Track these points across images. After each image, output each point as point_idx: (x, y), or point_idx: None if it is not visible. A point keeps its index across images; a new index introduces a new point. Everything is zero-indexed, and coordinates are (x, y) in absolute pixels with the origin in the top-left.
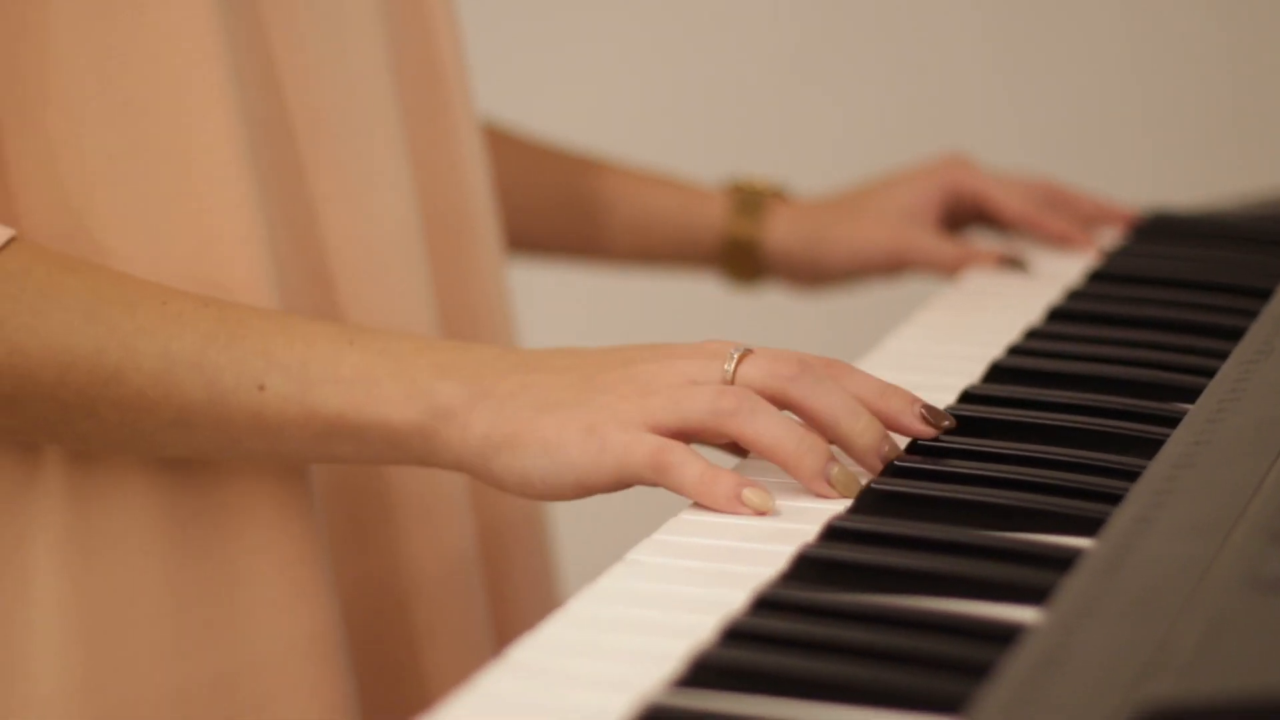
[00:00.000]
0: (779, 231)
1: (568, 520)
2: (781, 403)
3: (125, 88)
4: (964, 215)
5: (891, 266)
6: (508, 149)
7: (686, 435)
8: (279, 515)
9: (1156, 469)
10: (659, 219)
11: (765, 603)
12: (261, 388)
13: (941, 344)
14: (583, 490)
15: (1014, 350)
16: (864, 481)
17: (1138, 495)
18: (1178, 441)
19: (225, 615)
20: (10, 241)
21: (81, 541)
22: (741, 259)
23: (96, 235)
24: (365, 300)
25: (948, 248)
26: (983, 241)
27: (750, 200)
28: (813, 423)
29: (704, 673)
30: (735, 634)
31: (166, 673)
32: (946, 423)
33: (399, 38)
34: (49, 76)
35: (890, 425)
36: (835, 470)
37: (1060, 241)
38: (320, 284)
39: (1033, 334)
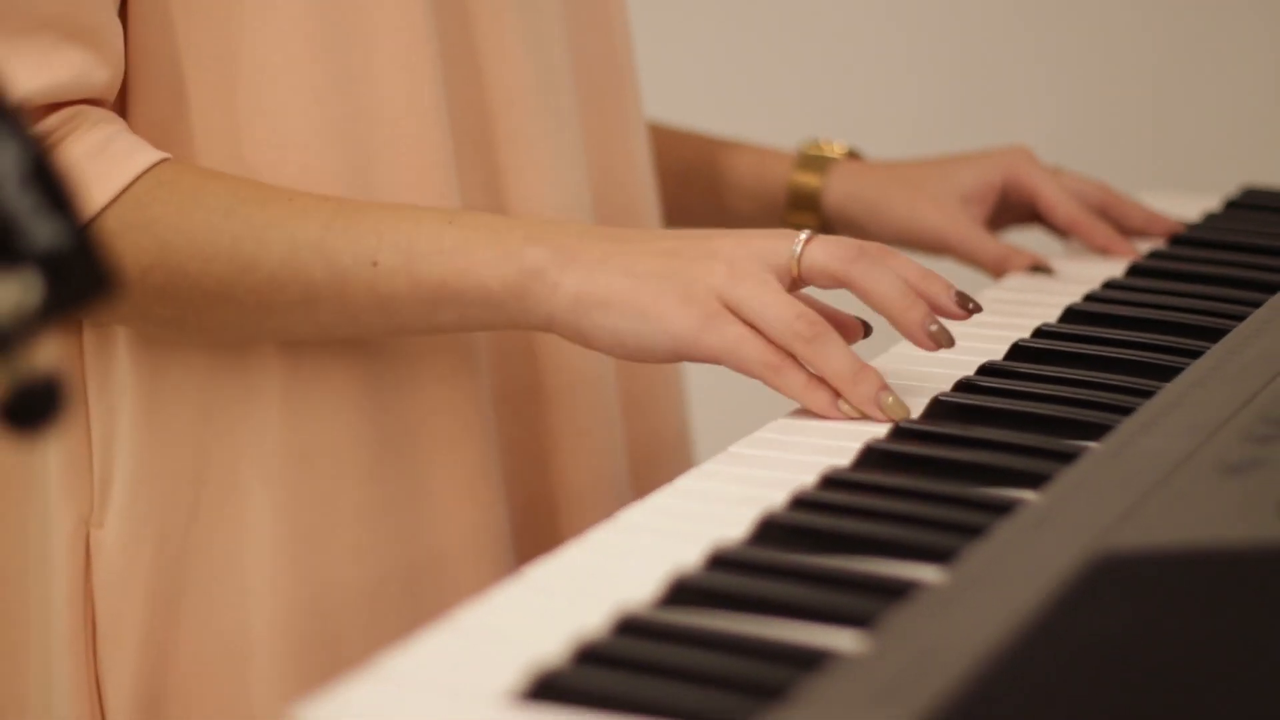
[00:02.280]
0: (839, 189)
1: (719, 441)
2: (842, 282)
3: (345, 67)
4: (1017, 209)
5: (936, 250)
6: None
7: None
8: (459, 431)
9: (1172, 388)
10: (735, 178)
11: (830, 481)
12: (374, 263)
13: (1033, 293)
14: (674, 357)
15: (1089, 297)
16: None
17: (1150, 408)
18: (1198, 368)
19: (412, 517)
20: (164, 160)
21: (293, 452)
22: (805, 213)
23: (309, 190)
24: None
25: (991, 246)
26: (1023, 243)
27: (816, 157)
28: (868, 302)
29: (770, 529)
30: (800, 502)
31: (362, 565)
32: (972, 305)
33: (581, 32)
34: (268, 50)
35: (929, 304)
36: (885, 397)
37: (1102, 250)
38: None
39: (1109, 285)
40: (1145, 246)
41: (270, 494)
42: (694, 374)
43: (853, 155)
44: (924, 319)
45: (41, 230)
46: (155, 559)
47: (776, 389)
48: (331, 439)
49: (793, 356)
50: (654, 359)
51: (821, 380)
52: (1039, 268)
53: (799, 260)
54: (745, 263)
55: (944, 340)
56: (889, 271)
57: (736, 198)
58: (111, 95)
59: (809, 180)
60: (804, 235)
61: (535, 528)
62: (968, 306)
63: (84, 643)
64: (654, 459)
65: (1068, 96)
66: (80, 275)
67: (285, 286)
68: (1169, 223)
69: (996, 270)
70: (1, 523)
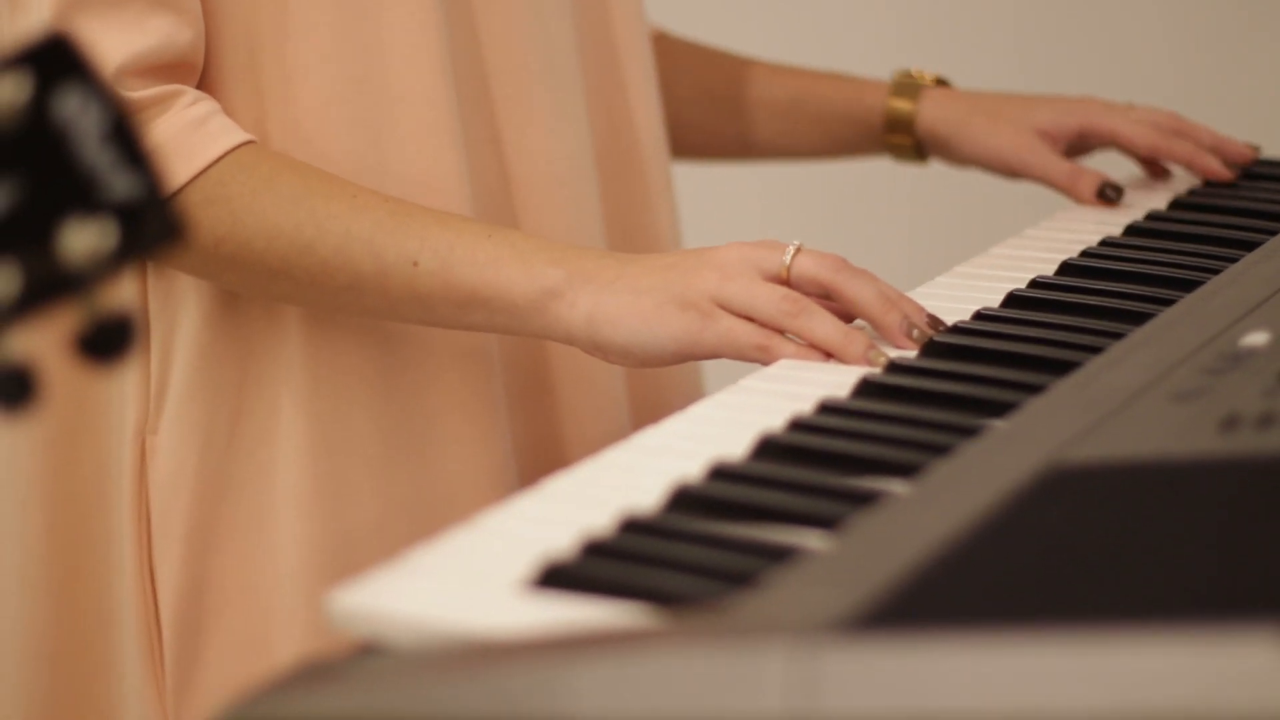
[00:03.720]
0: (929, 113)
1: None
2: (827, 288)
3: (357, 31)
4: (1096, 146)
5: (1010, 172)
6: (663, 47)
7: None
8: (466, 375)
9: (1143, 331)
10: (836, 107)
11: (826, 408)
12: (415, 264)
13: (1037, 250)
14: (679, 358)
15: (1084, 253)
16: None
17: (1119, 347)
18: (1169, 314)
19: (422, 450)
20: (248, 143)
21: (315, 385)
22: (899, 134)
23: (327, 144)
24: (542, 208)
25: (1062, 166)
26: (1091, 165)
27: (909, 84)
28: (851, 308)
29: (767, 447)
30: (797, 425)
31: (376, 492)
32: (941, 327)
33: (584, 2)
34: (288, 18)
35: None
36: (874, 354)
37: (1185, 165)
38: (505, 193)
39: (1105, 242)
40: (1159, 202)
41: (298, 412)
42: None
43: (941, 83)
44: (902, 322)
45: (119, 183)
46: (200, 465)
47: (771, 364)
48: (346, 370)
49: (782, 334)
50: (662, 362)
51: (811, 348)
52: (1108, 186)
53: (789, 268)
54: (735, 265)
55: (922, 339)
56: (869, 282)
57: (838, 124)
58: (196, 56)
59: (903, 105)
60: (793, 246)
61: (540, 470)
62: (937, 327)
63: (140, 534)
64: (661, 409)
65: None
66: (152, 224)
67: (336, 273)
68: (1238, 145)
69: (1068, 187)
70: (88, 427)
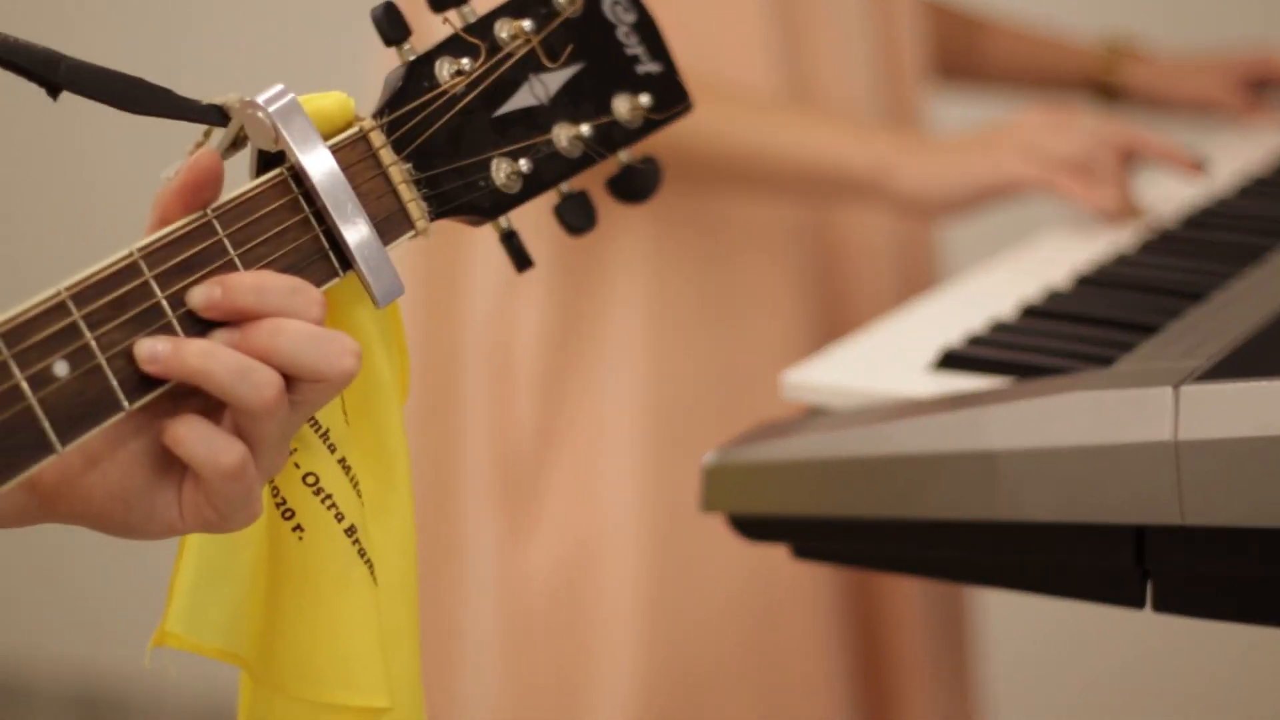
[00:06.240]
0: (1143, 74)
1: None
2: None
3: None
4: (1272, 84)
5: (1209, 110)
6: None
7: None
8: (773, 263)
9: None
10: (1050, 71)
11: (1120, 260)
12: (766, 147)
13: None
14: (997, 194)
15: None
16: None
17: None
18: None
19: (733, 322)
20: None
21: (652, 267)
22: (1102, 92)
23: None
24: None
25: (1249, 101)
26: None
27: (1117, 51)
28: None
29: (1087, 280)
30: (1103, 266)
31: (698, 346)
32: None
33: None
34: None
35: (1167, 155)
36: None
37: None
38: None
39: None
40: None
41: (636, 289)
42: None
43: (1131, 47)
44: (1187, 153)
45: (648, 64)
46: (554, 328)
47: (1060, 193)
48: (676, 255)
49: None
50: (974, 204)
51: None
52: None
53: (1081, 130)
54: (1035, 127)
55: (1202, 168)
56: (1154, 138)
57: (1051, 82)
58: None
59: (1118, 69)
60: (1085, 123)
61: (825, 339)
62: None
63: (499, 382)
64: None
65: None
66: (674, 95)
67: (694, 160)
68: None
69: (1255, 119)
70: (455, 289)
